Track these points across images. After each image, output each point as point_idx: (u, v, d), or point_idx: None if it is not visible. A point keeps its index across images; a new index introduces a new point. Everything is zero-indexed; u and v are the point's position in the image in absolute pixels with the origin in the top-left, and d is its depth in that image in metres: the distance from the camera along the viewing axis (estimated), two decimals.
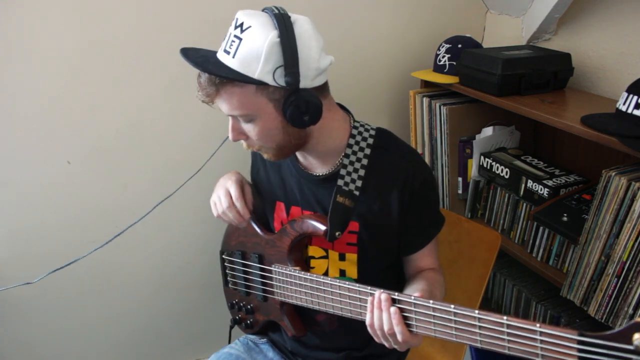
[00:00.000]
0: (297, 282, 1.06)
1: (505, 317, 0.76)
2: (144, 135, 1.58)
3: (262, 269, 1.16)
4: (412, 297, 0.85)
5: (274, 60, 0.89)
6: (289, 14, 0.92)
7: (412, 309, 0.86)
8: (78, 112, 1.49)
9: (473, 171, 1.63)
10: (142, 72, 1.51)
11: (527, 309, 1.57)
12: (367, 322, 0.91)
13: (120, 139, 1.56)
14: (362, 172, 1.04)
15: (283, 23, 0.89)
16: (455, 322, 0.81)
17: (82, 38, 1.43)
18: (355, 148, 1.05)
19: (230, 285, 1.28)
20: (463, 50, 1.56)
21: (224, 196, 1.13)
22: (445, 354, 1.42)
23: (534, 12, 1.61)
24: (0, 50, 1.37)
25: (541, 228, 1.41)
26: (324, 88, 1.00)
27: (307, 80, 0.93)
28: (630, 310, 1.11)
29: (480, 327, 0.79)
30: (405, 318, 0.87)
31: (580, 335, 0.68)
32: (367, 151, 1.05)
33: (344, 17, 1.68)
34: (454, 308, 0.81)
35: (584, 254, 1.21)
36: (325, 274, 1.12)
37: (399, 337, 0.86)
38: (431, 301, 0.83)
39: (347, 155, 1.05)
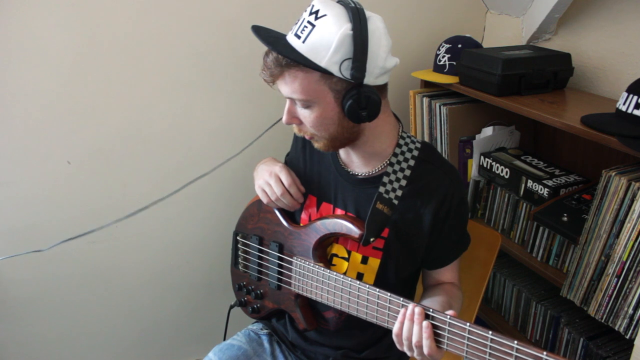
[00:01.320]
0: (321, 278, 1.06)
1: (544, 353, 0.75)
2: (144, 135, 1.58)
3: (280, 259, 1.16)
4: (448, 317, 0.86)
5: (343, 51, 0.89)
6: (364, 10, 0.92)
7: (445, 327, 0.86)
8: (78, 112, 1.49)
9: (473, 171, 1.63)
10: (143, 72, 1.51)
11: (527, 309, 1.56)
12: (395, 330, 0.91)
13: (120, 139, 1.56)
14: (403, 182, 1.06)
15: (358, 17, 0.89)
16: (491, 347, 0.81)
17: (82, 38, 1.42)
18: (400, 158, 1.06)
19: (240, 268, 1.27)
20: (463, 50, 1.56)
21: (275, 183, 1.13)
22: (445, 353, 1.41)
23: (534, 12, 1.61)
24: (0, 50, 1.37)
25: (541, 228, 1.41)
26: (384, 88, 1.01)
27: (371, 77, 0.93)
28: (630, 310, 1.11)
29: (516, 357, 0.78)
30: (436, 334, 0.87)
31: None
32: (411, 162, 1.06)
33: None
34: (491, 334, 0.81)
35: (584, 254, 1.21)
36: (343, 274, 1.12)
37: (425, 350, 0.87)
38: (468, 324, 0.83)
39: (391, 164, 1.06)
